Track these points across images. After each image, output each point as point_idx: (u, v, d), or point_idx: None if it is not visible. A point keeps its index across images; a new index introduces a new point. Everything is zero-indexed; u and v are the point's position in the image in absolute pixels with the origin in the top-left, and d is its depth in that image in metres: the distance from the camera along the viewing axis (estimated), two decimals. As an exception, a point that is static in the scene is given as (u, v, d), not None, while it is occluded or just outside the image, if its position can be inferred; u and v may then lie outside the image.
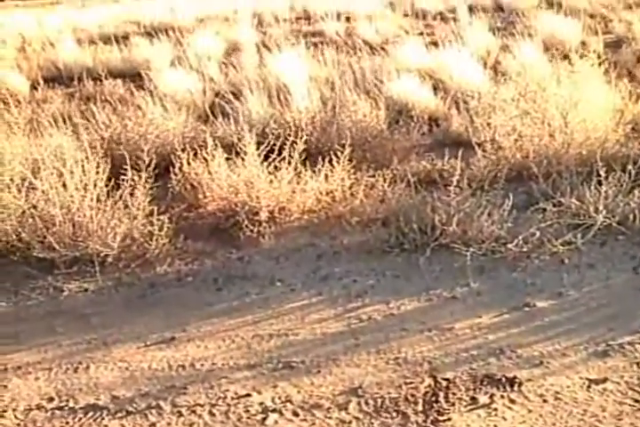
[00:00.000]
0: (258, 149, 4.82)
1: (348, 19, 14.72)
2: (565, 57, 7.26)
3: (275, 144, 4.80)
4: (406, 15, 15.59)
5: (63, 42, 13.91)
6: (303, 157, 4.89)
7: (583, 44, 11.00)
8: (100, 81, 10.14)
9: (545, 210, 4.44)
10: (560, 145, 5.44)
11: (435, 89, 7.99)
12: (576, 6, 15.85)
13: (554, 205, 4.47)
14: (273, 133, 5.27)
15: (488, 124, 5.78)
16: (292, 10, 16.83)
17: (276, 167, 4.80)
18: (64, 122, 6.72)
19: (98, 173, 4.49)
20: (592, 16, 14.60)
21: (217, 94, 8.59)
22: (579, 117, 5.58)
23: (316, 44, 11.19)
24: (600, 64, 6.30)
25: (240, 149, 4.86)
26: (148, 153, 4.59)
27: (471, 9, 16.28)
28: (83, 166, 4.47)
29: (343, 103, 6.47)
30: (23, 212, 4.54)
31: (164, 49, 11.72)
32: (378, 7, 15.83)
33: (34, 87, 10.42)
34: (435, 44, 10.59)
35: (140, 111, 6.41)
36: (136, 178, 4.49)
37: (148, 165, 4.55)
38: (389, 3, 16.80)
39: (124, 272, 4.33)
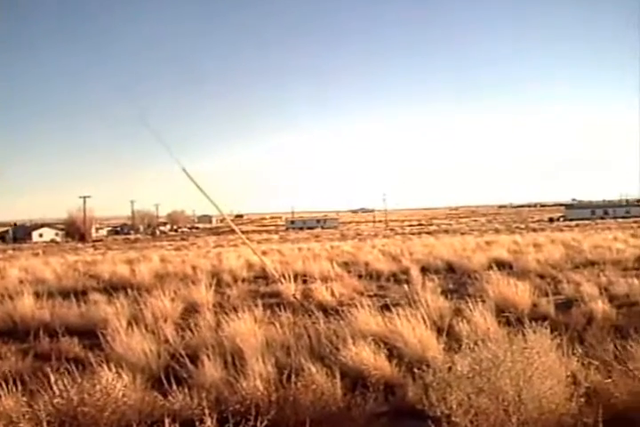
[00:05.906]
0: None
1: (304, 280, 15.34)
2: (518, 320, 7.53)
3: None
4: (360, 276, 16.28)
5: (22, 294, 13.98)
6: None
7: (534, 305, 11.42)
8: (57, 338, 10.09)
9: None
10: (515, 424, 5.41)
11: (389, 355, 8.04)
12: (526, 267, 16.79)
13: None
14: (230, 412, 5.19)
15: (444, 399, 5.77)
16: (250, 268, 17.47)
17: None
18: (14, 384, 6.52)
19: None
20: (542, 276, 15.32)
21: (172, 356, 8.52)
22: (533, 392, 5.62)
23: (272, 306, 11.45)
24: (553, 339, 6.53)
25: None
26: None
27: (423, 270, 17.10)
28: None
29: (298, 372, 6.47)
30: None
31: (122, 307, 11.84)
32: (335, 268, 16.54)
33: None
34: (388, 306, 10.88)
35: (96, 380, 6.24)
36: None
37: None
38: (344, 262, 17.60)
39: None
